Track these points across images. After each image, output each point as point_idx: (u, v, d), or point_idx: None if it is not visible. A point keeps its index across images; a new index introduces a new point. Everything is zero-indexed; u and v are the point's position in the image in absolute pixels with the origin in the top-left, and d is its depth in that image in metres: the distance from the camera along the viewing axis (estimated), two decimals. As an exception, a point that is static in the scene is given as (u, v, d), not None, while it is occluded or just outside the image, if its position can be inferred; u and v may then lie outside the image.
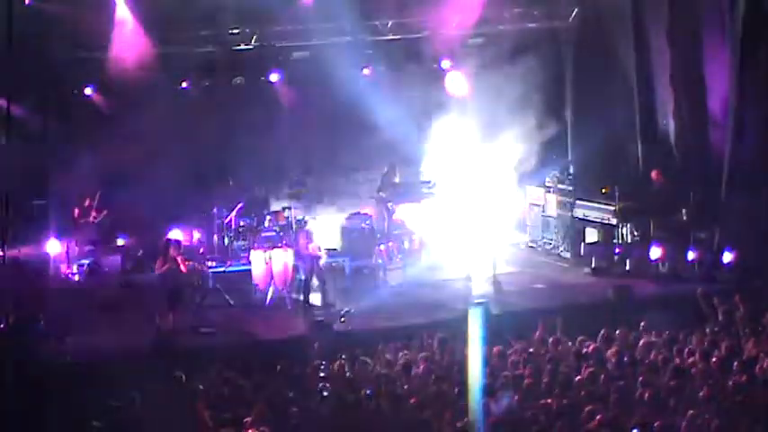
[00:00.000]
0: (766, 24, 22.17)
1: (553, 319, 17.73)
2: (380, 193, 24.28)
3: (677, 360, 15.80)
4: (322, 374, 15.95)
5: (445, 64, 25.44)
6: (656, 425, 13.30)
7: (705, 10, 23.23)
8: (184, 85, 23.75)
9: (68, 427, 14.95)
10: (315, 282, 20.79)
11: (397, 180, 24.59)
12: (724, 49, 22.94)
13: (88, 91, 23.17)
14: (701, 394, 14.29)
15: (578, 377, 15.15)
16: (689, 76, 23.57)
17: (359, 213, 23.84)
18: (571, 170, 24.61)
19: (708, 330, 17.38)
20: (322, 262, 20.97)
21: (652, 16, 24.01)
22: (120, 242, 22.57)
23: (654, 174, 23.24)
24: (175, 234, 21.04)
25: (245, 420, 13.97)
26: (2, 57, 17.09)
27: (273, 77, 24.30)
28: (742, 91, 22.53)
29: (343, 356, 16.54)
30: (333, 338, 18.40)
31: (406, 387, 15.20)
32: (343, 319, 19.87)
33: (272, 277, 20.91)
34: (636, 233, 23.25)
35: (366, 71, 24.69)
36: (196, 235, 22.96)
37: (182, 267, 19.52)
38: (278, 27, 23.52)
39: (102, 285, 21.18)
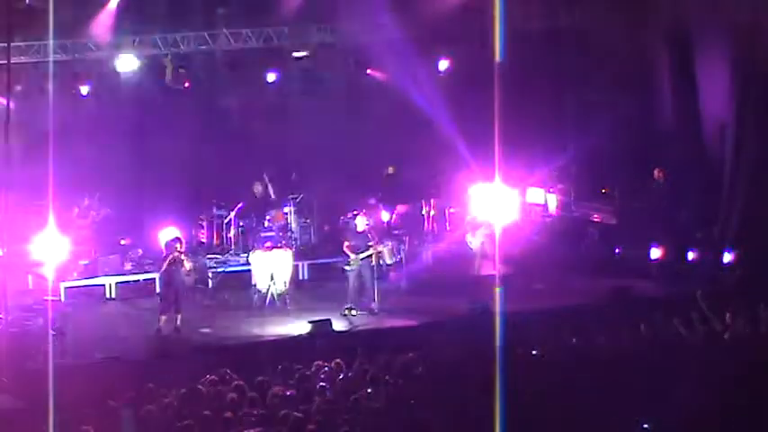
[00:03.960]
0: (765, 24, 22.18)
1: (555, 320, 17.76)
2: (380, 194, 24.27)
3: (677, 360, 15.82)
4: (322, 375, 15.95)
5: (443, 64, 25.46)
6: (658, 423, 13.32)
7: (703, 10, 23.25)
8: (186, 84, 23.74)
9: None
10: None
11: (396, 180, 24.58)
12: (722, 49, 22.97)
13: (84, 90, 23.09)
14: (700, 394, 14.31)
15: (578, 377, 15.15)
16: (687, 77, 23.59)
17: (359, 214, 23.83)
18: (571, 170, 24.61)
19: (708, 330, 17.39)
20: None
21: (652, 16, 24.02)
22: (122, 242, 22.56)
23: (656, 172, 23.26)
24: (173, 233, 21.00)
25: (245, 421, 13.98)
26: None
27: (271, 77, 24.30)
28: (742, 91, 22.55)
29: (343, 357, 16.53)
30: (333, 338, 18.40)
31: (404, 388, 15.20)
32: (347, 312, 20.02)
33: (271, 277, 20.92)
34: (636, 233, 23.27)
35: (369, 71, 24.71)
36: (197, 235, 22.99)
37: (185, 266, 19.54)
38: (278, 27, 23.55)
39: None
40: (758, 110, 22.50)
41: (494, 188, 22.85)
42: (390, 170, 24.53)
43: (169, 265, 19.56)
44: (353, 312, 20.23)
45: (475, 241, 22.32)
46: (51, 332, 18.40)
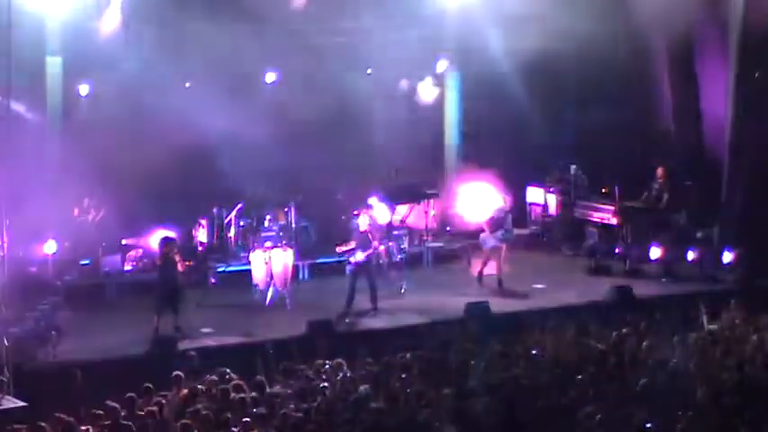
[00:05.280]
0: (764, 27, 22.20)
1: (555, 319, 17.77)
2: (380, 193, 24.24)
3: (676, 360, 15.82)
4: (322, 375, 15.95)
5: (441, 64, 25.45)
6: (657, 424, 13.32)
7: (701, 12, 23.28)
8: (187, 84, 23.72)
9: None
10: None
11: (397, 180, 24.57)
12: (721, 50, 22.99)
13: (84, 89, 23.05)
14: (700, 394, 14.31)
15: (579, 377, 15.15)
16: (686, 78, 23.61)
17: (359, 213, 23.84)
18: (571, 170, 24.61)
19: (707, 330, 17.41)
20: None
21: (651, 18, 24.03)
22: (122, 242, 22.54)
23: (659, 171, 23.24)
24: (166, 233, 20.98)
25: (245, 421, 13.99)
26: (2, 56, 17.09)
27: (270, 77, 24.29)
28: (741, 91, 22.57)
29: (344, 356, 16.53)
30: (333, 338, 18.39)
31: (405, 387, 15.20)
32: (344, 317, 19.98)
33: (271, 277, 20.91)
34: (636, 233, 23.28)
35: (369, 71, 24.72)
36: (198, 235, 23.00)
37: (179, 266, 19.55)
38: (277, 27, 23.55)
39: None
40: (758, 110, 22.53)
41: (492, 187, 22.90)
42: (393, 172, 24.50)
43: (164, 264, 19.58)
44: (349, 319, 20.15)
45: (489, 241, 22.15)
46: (52, 332, 18.44)
